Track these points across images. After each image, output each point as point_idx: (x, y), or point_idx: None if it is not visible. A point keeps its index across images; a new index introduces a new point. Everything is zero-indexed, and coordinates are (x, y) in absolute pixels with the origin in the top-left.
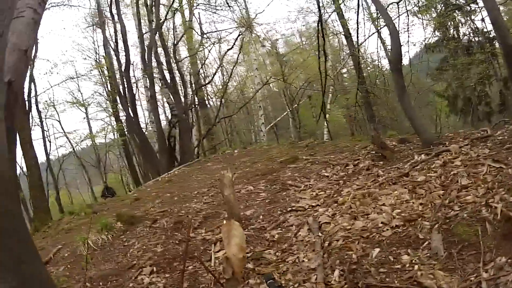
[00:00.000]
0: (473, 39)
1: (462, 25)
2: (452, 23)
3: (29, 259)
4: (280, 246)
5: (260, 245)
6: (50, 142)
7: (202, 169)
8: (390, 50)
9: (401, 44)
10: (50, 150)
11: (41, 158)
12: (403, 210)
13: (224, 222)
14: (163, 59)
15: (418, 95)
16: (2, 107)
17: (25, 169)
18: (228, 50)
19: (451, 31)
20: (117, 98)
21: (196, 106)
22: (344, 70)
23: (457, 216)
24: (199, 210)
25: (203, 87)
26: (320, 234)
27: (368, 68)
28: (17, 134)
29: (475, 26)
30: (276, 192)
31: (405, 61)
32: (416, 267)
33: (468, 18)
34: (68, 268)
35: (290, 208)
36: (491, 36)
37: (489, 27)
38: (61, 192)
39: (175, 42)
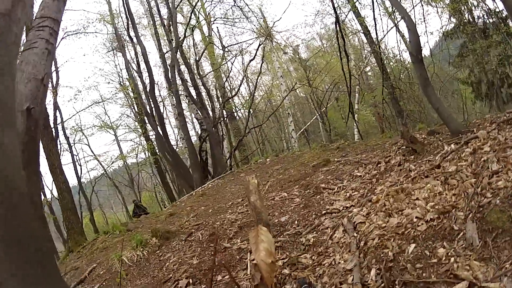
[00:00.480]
0: (487, 21)
1: (475, 8)
2: (465, 7)
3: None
4: (316, 249)
5: (295, 250)
6: (80, 165)
7: (235, 180)
8: (409, 42)
9: (419, 34)
10: (81, 173)
11: (73, 181)
12: (437, 203)
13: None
14: (186, 76)
15: (442, 85)
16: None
17: (56, 193)
18: (251, 61)
19: (466, 15)
20: (145, 118)
21: (225, 119)
22: (368, 68)
23: (490, 204)
24: (234, 220)
25: (230, 100)
26: (355, 234)
27: (391, 63)
28: (46, 160)
29: (487, 7)
30: (310, 196)
31: (426, 51)
32: (452, 259)
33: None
34: (103, 285)
35: (324, 211)
36: (504, 15)
37: (501, 6)
38: (95, 213)
39: (197, 59)
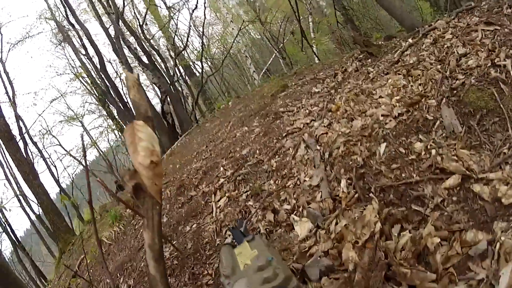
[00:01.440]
0: None
1: None
2: None
3: None
4: (280, 173)
5: (259, 179)
6: (55, 167)
7: (201, 132)
8: None
9: None
10: (58, 175)
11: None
12: (403, 96)
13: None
14: (135, 44)
15: (399, 2)
16: None
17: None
18: (193, 11)
19: None
20: (106, 99)
21: (184, 76)
22: None
23: (464, 84)
24: (198, 168)
25: (181, 54)
26: (318, 147)
27: None
28: (18, 171)
29: None
30: (270, 123)
31: None
32: (433, 152)
33: None
34: (91, 271)
35: (285, 133)
36: None
37: None
38: (85, 209)
39: (140, 23)
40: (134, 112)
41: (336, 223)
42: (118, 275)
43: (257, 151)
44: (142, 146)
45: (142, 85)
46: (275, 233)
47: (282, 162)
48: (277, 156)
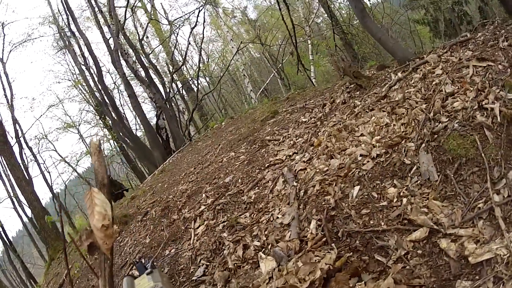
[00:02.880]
0: None
1: None
2: None
3: None
4: (257, 206)
5: (237, 210)
6: (49, 173)
7: (193, 151)
8: None
9: None
10: (51, 180)
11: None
12: (384, 136)
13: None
14: (134, 57)
15: (398, 28)
16: None
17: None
18: (193, 28)
19: None
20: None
21: (181, 91)
22: (320, 20)
23: (446, 129)
24: (184, 191)
25: (178, 71)
26: (295, 183)
27: (341, 10)
28: (11, 175)
29: None
30: (255, 151)
31: None
32: (405, 200)
33: None
34: (77, 283)
35: (267, 164)
36: None
37: None
38: (78, 216)
39: (140, 37)
40: (128, 126)
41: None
42: None
43: (239, 180)
44: (97, 210)
45: (139, 97)
46: (242, 269)
47: (261, 195)
48: (256, 188)
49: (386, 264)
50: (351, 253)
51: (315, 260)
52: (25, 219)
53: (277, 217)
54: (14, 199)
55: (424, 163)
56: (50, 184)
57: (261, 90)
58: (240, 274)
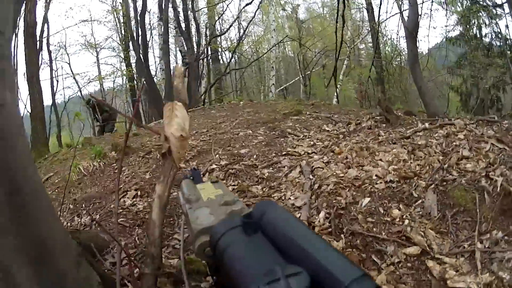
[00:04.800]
0: (494, 42)
1: (486, 26)
2: (476, 21)
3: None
4: (269, 183)
5: (249, 180)
6: (57, 81)
7: (205, 115)
8: (407, 17)
9: (420, 17)
10: (56, 90)
11: (49, 101)
12: (400, 168)
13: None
14: (180, 8)
15: (432, 85)
16: None
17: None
18: (247, 4)
19: (474, 29)
20: (130, 43)
21: (208, 57)
22: (362, 46)
23: (454, 181)
24: (194, 146)
25: (216, 38)
26: (311, 177)
27: (386, 46)
28: (26, 68)
29: (498, 29)
30: (275, 137)
31: (424, 47)
32: (406, 222)
33: (492, 20)
34: (56, 192)
35: (285, 152)
36: None
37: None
38: (63, 133)
39: None
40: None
41: None
42: (84, 206)
43: (255, 156)
44: (177, 121)
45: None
46: None
47: (274, 175)
48: (271, 168)
49: (380, 266)
50: (352, 249)
51: None
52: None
53: (289, 198)
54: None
55: (429, 200)
56: (54, 92)
57: (281, 87)
58: None
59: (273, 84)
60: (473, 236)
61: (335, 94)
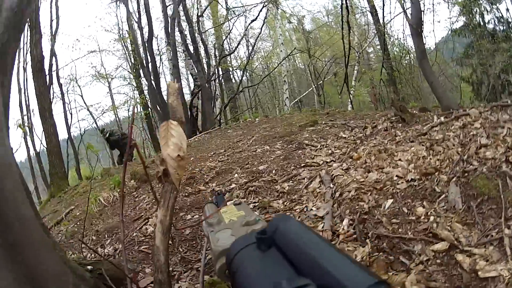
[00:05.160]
0: (497, 27)
1: (487, 12)
2: (477, 9)
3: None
4: (290, 197)
5: (269, 196)
6: (71, 114)
7: (222, 136)
8: (411, 14)
9: (424, 13)
10: (71, 123)
11: (64, 135)
12: (420, 165)
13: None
14: (187, 31)
15: (443, 80)
16: None
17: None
18: (252, 21)
19: (477, 17)
20: (140, 70)
21: (220, 77)
22: (371, 50)
23: (476, 171)
24: (213, 167)
25: (226, 58)
26: (331, 185)
27: (394, 47)
28: (37, 103)
29: (500, 14)
30: (292, 150)
31: (432, 42)
32: (432, 218)
33: (493, 6)
34: (77, 224)
35: (303, 164)
36: None
37: None
38: (82, 166)
39: (198, 14)
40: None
41: None
42: (106, 236)
43: (274, 171)
44: (173, 141)
45: (180, 72)
46: None
47: (294, 188)
48: (291, 181)
49: (409, 266)
50: (380, 253)
51: (350, 251)
52: (32, 152)
53: (311, 209)
54: (27, 130)
55: (453, 193)
56: (69, 125)
57: (296, 100)
58: None
59: (287, 97)
60: (500, 223)
61: (349, 100)
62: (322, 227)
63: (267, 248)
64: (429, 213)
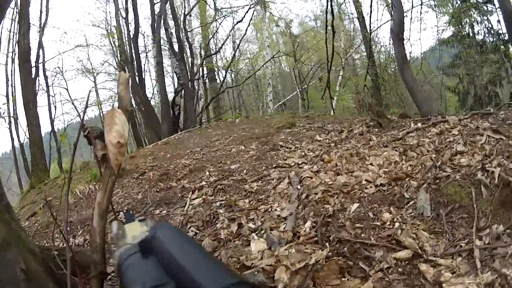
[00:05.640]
0: (487, 39)
1: (478, 23)
2: (468, 20)
3: None
4: (257, 196)
5: (237, 195)
6: (55, 107)
7: (202, 135)
8: (392, 20)
9: (404, 16)
10: (55, 116)
11: (47, 128)
12: (391, 170)
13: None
14: (173, 30)
15: (428, 89)
16: None
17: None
18: (238, 22)
19: (467, 28)
20: (125, 66)
21: (205, 77)
22: (357, 56)
23: (448, 178)
24: (187, 165)
25: (210, 57)
26: (299, 187)
27: (381, 55)
28: (22, 94)
29: (490, 25)
30: (266, 151)
31: (417, 51)
32: (397, 225)
33: (483, 17)
34: (55, 214)
35: (275, 165)
36: (505, 38)
37: (505, 29)
38: (64, 160)
39: (185, 12)
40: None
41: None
42: (78, 227)
43: (245, 171)
44: (116, 128)
45: (164, 70)
46: (232, 243)
47: (263, 188)
48: (260, 181)
49: (368, 273)
50: (339, 257)
51: (300, 250)
52: (16, 143)
53: (276, 210)
54: (13, 120)
55: (422, 200)
56: (52, 118)
57: (280, 103)
58: (229, 247)
59: (271, 100)
60: (470, 233)
61: (331, 105)
62: (284, 228)
63: (149, 255)
64: (395, 219)
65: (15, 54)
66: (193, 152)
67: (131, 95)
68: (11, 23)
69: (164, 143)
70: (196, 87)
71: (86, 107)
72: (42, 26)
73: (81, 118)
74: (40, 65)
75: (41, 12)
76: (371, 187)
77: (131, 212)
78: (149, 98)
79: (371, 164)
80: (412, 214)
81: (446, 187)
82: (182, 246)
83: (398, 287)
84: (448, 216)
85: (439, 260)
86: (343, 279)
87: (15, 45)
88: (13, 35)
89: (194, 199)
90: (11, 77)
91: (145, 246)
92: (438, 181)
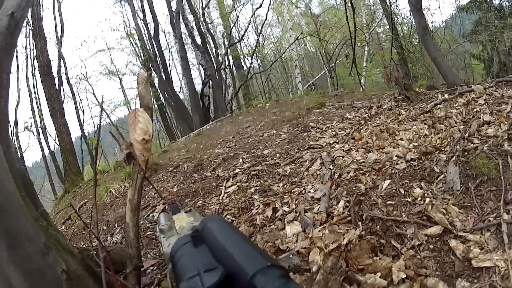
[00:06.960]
0: (504, 3)
1: None
2: None
3: None
4: (291, 179)
5: (271, 179)
6: (83, 112)
7: (233, 122)
8: None
9: None
10: (83, 120)
11: (78, 133)
12: (420, 144)
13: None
14: (193, 23)
15: (454, 57)
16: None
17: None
18: (257, 8)
19: None
20: (150, 64)
21: (231, 66)
22: (380, 30)
23: (476, 149)
24: (220, 154)
25: (235, 46)
26: (331, 167)
27: (403, 27)
28: (47, 105)
29: None
30: (297, 133)
31: (439, 20)
32: (427, 200)
33: None
34: (90, 216)
35: (307, 146)
36: None
37: None
38: (98, 162)
39: (203, 5)
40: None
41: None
42: (116, 225)
43: (277, 154)
44: (139, 126)
45: (190, 63)
46: (267, 227)
47: (296, 171)
48: (293, 164)
49: (400, 251)
50: (372, 235)
51: (340, 233)
52: (46, 152)
53: (309, 191)
54: (41, 131)
55: (451, 173)
56: (81, 123)
57: (309, 83)
58: (265, 232)
59: (300, 81)
60: (498, 207)
61: (359, 81)
62: (318, 210)
63: (199, 244)
64: (425, 195)
65: (35, 69)
66: (226, 141)
67: (159, 91)
68: (26, 40)
69: (196, 134)
70: (224, 76)
71: (101, 115)
72: (59, 38)
73: (98, 123)
74: (63, 75)
75: (56, 25)
76: (401, 162)
77: (175, 205)
78: (178, 92)
79: (401, 139)
80: (442, 188)
81: (475, 159)
82: (229, 234)
83: (429, 265)
84: (476, 189)
85: (468, 236)
86: (375, 258)
87: (34, 60)
88: (30, 51)
89: (229, 187)
90: (34, 90)
91: (197, 236)
92: (466, 153)
